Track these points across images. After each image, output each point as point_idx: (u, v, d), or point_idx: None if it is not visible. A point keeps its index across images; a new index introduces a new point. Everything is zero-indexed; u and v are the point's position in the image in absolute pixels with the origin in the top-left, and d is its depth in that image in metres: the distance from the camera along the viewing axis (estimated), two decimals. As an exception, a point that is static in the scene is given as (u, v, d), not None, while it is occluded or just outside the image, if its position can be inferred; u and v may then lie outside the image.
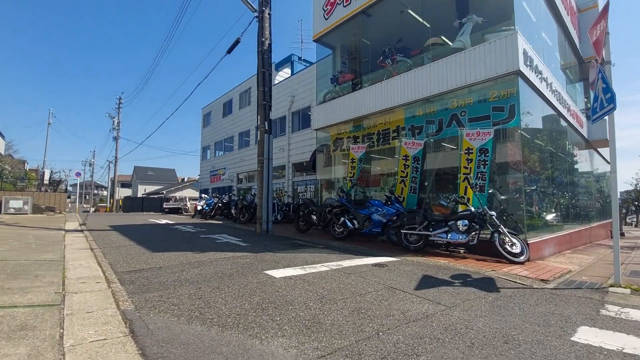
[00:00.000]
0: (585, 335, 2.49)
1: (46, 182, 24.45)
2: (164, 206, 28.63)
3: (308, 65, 19.09)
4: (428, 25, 8.60)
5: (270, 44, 9.92)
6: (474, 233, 5.74)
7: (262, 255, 5.49)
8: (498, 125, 6.59)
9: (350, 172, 9.25)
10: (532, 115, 7.24)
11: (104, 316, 2.59)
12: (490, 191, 6.67)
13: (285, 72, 21.12)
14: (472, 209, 5.96)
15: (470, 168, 6.55)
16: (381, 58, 9.35)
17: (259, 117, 9.61)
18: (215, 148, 28.39)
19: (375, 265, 4.89)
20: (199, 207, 15.48)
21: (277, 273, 4.15)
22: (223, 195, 15.18)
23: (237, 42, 11.51)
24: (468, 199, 6.36)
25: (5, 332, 2.17)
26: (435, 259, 5.55)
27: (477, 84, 6.82)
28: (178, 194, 38.32)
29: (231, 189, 23.74)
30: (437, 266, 4.99)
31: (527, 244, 5.73)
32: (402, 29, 9.47)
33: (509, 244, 5.55)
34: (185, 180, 55.95)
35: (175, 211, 27.49)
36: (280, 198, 16.82)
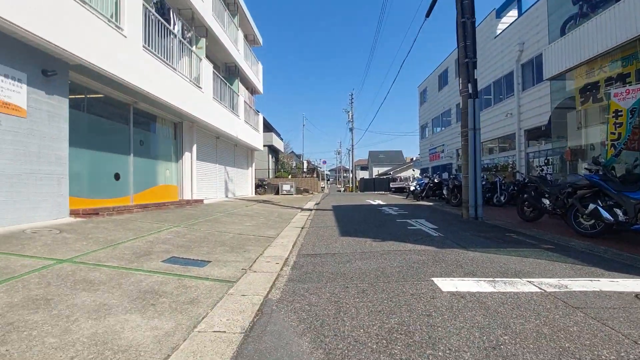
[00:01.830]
0: None
1: (305, 170, 32.18)
2: (391, 186, 30.80)
3: (544, -6, 14.14)
4: None
5: (471, -15, 7.93)
6: None
7: (445, 252, 4.42)
8: None
9: (613, 134, 5.92)
10: None
11: (248, 304, 2.73)
12: None
13: (511, 17, 16.73)
14: None
15: None
16: None
17: (460, 79, 7.98)
18: (433, 125, 27.17)
19: (647, 296, 2.73)
20: (412, 188, 15.26)
21: (448, 284, 3.10)
22: (434, 175, 14.15)
23: (434, 0, 10.16)
24: None
25: (176, 302, 2.69)
26: None
27: None
28: (403, 174, 40.10)
29: (451, 167, 21.95)
30: None
31: None
32: None
33: None
34: (413, 159, 57.83)
35: (401, 190, 28.70)
36: (506, 175, 13.70)
